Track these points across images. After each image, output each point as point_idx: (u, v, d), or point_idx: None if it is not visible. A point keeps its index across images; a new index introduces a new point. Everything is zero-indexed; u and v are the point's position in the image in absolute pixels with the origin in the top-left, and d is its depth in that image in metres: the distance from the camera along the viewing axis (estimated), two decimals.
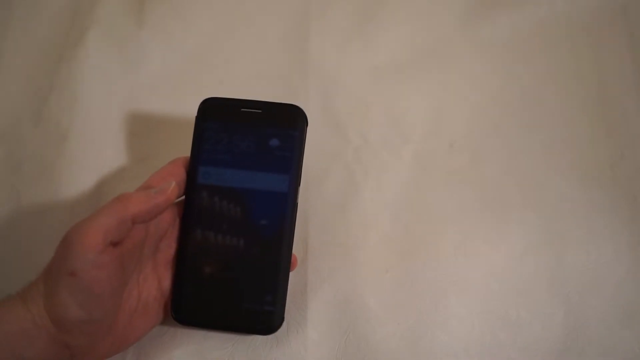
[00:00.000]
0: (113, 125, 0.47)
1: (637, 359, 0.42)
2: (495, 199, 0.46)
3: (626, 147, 0.47)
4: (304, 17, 0.51)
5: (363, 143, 0.48)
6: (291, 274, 0.40)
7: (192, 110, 0.48)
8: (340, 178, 0.47)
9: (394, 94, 0.49)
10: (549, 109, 0.49)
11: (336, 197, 0.46)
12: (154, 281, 0.40)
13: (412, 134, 0.48)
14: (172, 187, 0.38)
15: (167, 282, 0.40)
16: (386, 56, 0.50)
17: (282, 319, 0.39)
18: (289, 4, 0.52)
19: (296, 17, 0.51)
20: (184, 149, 0.46)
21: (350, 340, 0.42)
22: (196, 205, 0.40)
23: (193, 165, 0.40)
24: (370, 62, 0.50)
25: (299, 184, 0.40)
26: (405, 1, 0.52)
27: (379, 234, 0.45)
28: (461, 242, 0.45)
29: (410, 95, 0.49)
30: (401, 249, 0.45)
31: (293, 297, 0.43)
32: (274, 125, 0.40)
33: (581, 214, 0.46)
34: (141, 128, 0.48)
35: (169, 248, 0.40)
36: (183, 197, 0.40)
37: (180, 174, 0.39)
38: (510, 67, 0.50)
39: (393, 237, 0.45)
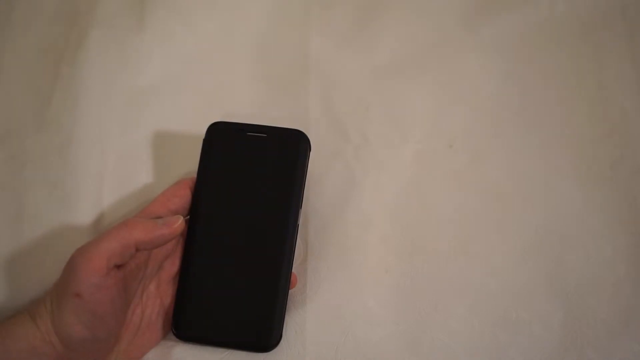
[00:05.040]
0: (114, 127, 0.47)
1: (636, 359, 0.42)
2: (495, 199, 0.46)
3: (626, 147, 0.47)
4: (304, 17, 0.51)
5: (363, 143, 0.48)
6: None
7: (193, 111, 0.48)
8: (340, 177, 0.47)
9: (394, 93, 0.49)
10: (549, 109, 0.49)
11: (336, 196, 0.46)
12: (157, 298, 0.41)
13: (412, 133, 0.48)
14: (180, 223, 0.39)
15: (170, 299, 0.41)
16: (386, 56, 0.50)
17: (280, 337, 0.40)
18: (289, 4, 0.52)
19: (296, 17, 0.51)
20: (186, 150, 0.46)
21: (349, 341, 0.42)
22: (200, 225, 0.41)
23: (198, 186, 0.41)
24: (370, 62, 0.50)
25: (300, 207, 0.41)
26: (406, 1, 0.52)
27: (378, 233, 0.45)
28: (461, 242, 0.45)
29: (410, 95, 0.49)
30: (401, 249, 0.45)
31: (292, 297, 0.43)
32: (278, 149, 0.42)
33: (581, 214, 0.46)
34: (142, 130, 0.48)
35: (172, 266, 0.41)
36: (187, 217, 0.41)
37: (185, 195, 0.41)
38: (511, 67, 0.50)
39: (393, 237, 0.45)
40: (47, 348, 0.35)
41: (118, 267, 0.36)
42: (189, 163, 0.45)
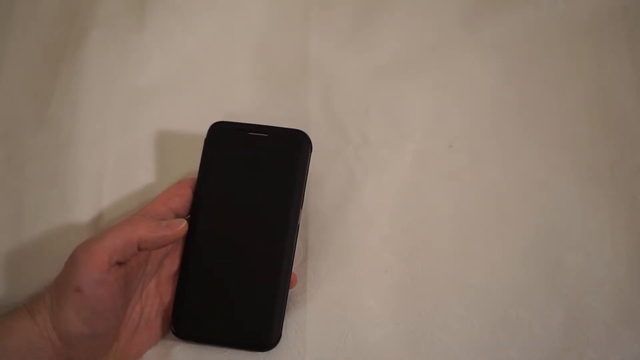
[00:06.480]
0: (114, 127, 0.47)
1: (637, 359, 0.42)
2: (495, 199, 0.46)
3: (626, 147, 0.47)
4: (304, 17, 0.51)
5: (363, 143, 0.48)
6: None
7: (193, 111, 0.48)
8: (340, 177, 0.47)
9: (394, 94, 0.49)
10: (549, 109, 0.49)
11: (336, 196, 0.46)
12: (157, 297, 0.41)
13: (412, 134, 0.48)
14: (183, 226, 0.39)
15: (169, 298, 0.41)
16: (386, 56, 0.50)
17: (280, 337, 0.40)
18: (289, 4, 0.52)
19: (296, 17, 0.51)
20: (186, 150, 0.46)
21: (349, 340, 0.42)
22: (200, 224, 0.41)
23: (199, 185, 0.41)
24: (370, 62, 0.50)
25: (301, 207, 0.41)
26: (406, 1, 0.52)
27: (378, 233, 0.45)
28: (461, 242, 0.45)
29: (410, 95, 0.49)
30: (401, 249, 0.45)
31: (292, 297, 0.43)
32: (279, 149, 0.42)
33: (581, 214, 0.46)
34: (142, 130, 0.48)
35: (172, 265, 0.41)
36: (188, 216, 0.41)
37: (186, 194, 0.41)
38: (510, 67, 0.50)
39: (392, 236, 0.45)
40: (44, 344, 0.35)
41: (119, 264, 0.36)
42: (189, 163, 0.45)
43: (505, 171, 0.47)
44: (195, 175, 0.42)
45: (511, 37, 0.51)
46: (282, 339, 0.40)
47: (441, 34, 0.51)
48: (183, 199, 0.41)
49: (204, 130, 0.43)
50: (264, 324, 0.39)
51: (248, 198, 0.41)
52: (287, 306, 0.41)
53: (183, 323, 0.40)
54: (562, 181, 0.47)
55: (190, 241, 0.41)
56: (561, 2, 0.51)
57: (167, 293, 0.41)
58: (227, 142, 0.42)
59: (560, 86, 0.49)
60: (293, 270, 0.41)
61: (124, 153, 0.47)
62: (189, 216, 0.41)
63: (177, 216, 0.40)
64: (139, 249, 0.37)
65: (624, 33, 0.50)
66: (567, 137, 0.48)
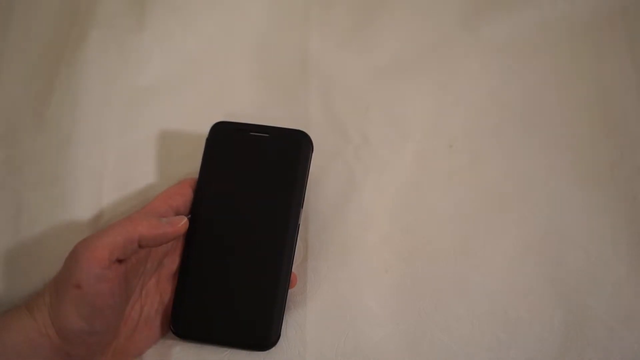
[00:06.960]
0: (114, 127, 0.47)
1: (637, 358, 0.42)
2: (495, 199, 0.46)
3: (626, 147, 0.47)
4: (304, 17, 0.51)
5: (363, 143, 0.48)
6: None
7: (193, 111, 0.48)
8: (340, 177, 0.47)
9: (394, 93, 0.49)
10: (549, 109, 0.49)
11: (336, 196, 0.46)
12: (157, 295, 0.41)
13: (412, 133, 0.48)
14: (183, 223, 0.39)
15: (169, 297, 0.41)
16: (386, 56, 0.51)
17: (279, 336, 0.40)
18: (289, 4, 0.52)
19: (296, 17, 0.51)
20: (185, 150, 0.46)
21: (349, 340, 0.42)
22: (201, 223, 0.41)
23: (200, 184, 0.42)
24: (370, 62, 0.50)
25: (301, 206, 0.41)
26: (406, 1, 0.52)
27: (378, 233, 0.45)
28: (461, 242, 0.45)
29: (410, 95, 0.49)
30: (401, 249, 0.45)
31: (292, 297, 0.43)
32: (280, 149, 0.42)
33: (581, 214, 0.46)
34: (142, 130, 0.48)
35: (172, 264, 0.41)
36: (189, 215, 0.41)
37: (187, 193, 0.41)
38: (511, 67, 0.50)
39: (393, 237, 0.45)
40: (43, 340, 0.35)
41: (120, 261, 0.36)
42: (189, 163, 0.45)
43: (505, 171, 0.47)
44: (196, 175, 0.42)
45: (511, 37, 0.51)
46: (282, 339, 0.40)
47: (441, 34, 0.51)
48: (184, 198, 0.41)
49: (203, 130, 0.43)
50: (263, 324, 0.40)
51: (249, 198, 0.41)
52: (287, 306, 0.41)
53: (182, 322, 0.40)
54: (562, 181, 0.47)
55: (190, 240, 0.41)
56: (561, 2, 0.51)
57: (167, 292, 0.41)
58: (228, 142, 0.42)
59: (561, 86, 0.49)
60: (293, 270, 0.41)
61: (124, 153, 0.47)
62: (189, 215, 0.41)
63: (178, 215, 0.40)
64: (140, 246, 0.37)
65: (624, 33, 0.51)
66: (567, 137, 0.48)
